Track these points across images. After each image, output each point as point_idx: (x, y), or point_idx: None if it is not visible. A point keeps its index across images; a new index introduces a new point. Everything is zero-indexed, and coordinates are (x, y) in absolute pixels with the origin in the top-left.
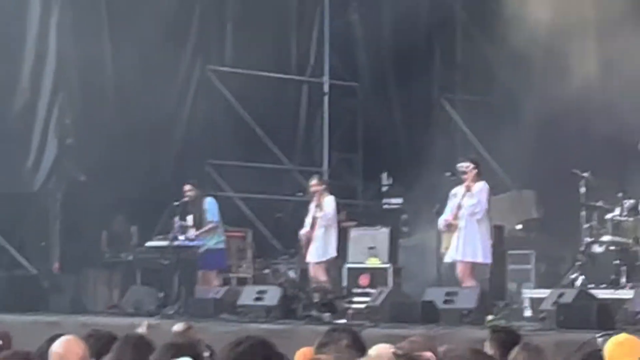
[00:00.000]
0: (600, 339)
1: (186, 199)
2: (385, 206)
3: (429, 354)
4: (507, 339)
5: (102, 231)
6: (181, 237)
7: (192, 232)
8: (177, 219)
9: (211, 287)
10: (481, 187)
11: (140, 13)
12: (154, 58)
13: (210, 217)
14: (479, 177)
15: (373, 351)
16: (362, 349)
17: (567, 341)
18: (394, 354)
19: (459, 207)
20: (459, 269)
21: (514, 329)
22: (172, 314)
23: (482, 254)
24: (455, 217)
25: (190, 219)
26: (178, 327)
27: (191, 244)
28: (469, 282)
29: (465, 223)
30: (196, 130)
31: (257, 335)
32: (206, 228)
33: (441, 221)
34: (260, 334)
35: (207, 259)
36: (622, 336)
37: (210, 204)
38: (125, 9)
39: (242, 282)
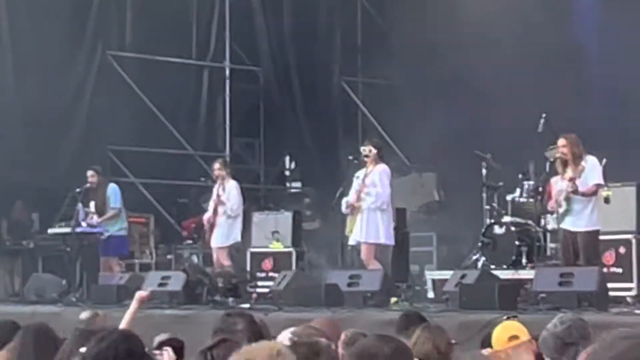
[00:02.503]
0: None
1: (88, 185)
2: (291, 190)
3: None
4: (412, 320)
5: (2, 218)
6: (83, 224)
7: (94, 219)
8: (79, 205)
9: (114, 273)
10: (382, 169)
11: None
12: (54, 44)
13: (112, 203)
14: (380, 160)
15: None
16: (258, 333)
17: (469, 322)
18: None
19: (361, 189)
20: (363, 252)
21: (418, 310)
22: (75, 302)
23: (384, 235)
24: (358, 199)
25: (92, 206)
26: (85, 314)
27: (93, 230)
28: (373, 265)
29: (367, 205)
30: (97, 116)
31: (120, 330)
32: (109, 215)
33: (344, 204)
34: (164, 320)
35: (109, 245)
36: (507, 322)
37: (112, 190)
38: None
39: (146, 268)
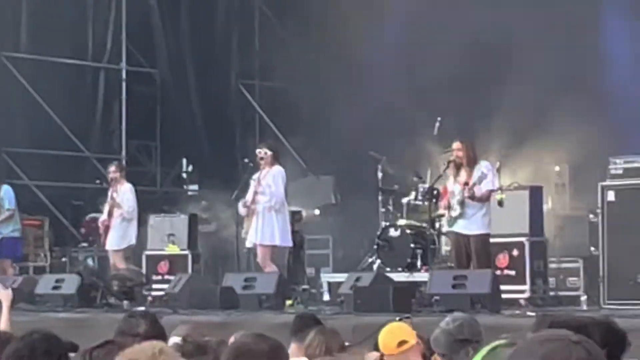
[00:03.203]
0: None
1: None
2: (187, 193)
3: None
4: (306, 323)
5: None
6: None
7: None
8: None
9: (7, 276)
10: (276, 171)
11: None
12: None
13: (6, 205)
14: (276, 162)
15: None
16: (162, 334)
17: (364, 324)
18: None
19: (256, 192)
20: (259, 254)
21: (313, 313)
22: None
23: (280, 237)
24: (253, 201)
25: None
26: None
27: None
28: (269, 267)
29: (262, 207)
30: None
31: (41, 329)
32: (2, 216)
33: (240, 206)
34: (58, 324)
35: (2, 247)
36: (394, 325)
37: (5, 192)
38: None
39: (40, 271)
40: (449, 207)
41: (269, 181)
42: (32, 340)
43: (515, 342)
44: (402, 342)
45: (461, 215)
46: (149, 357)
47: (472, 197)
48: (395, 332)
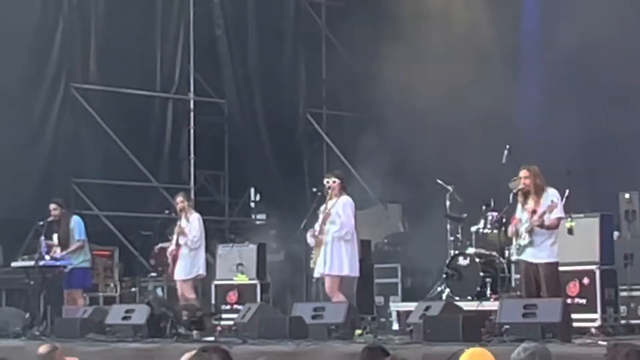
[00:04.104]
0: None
1: (51, 217)
2: (255, 222)
3: None
4: (375, 354)
5: None
6: (47, 257)
7: (58, 252)
8: (42, 238)
9: (78, 306)
10: (345, 201)
11: (2, 27)
12: (17, 75)
13: (76, 235)
14: (344, 191)
15: None
16: None
17: (433, 354)
18: None
19: (325, 221)
20: (327, 284)
21: (381, 343)
22: (39, 335)
23: (348, 267)
24: (322, 231)
25: (55, 238)
26: (43, 348)
27: (57, 263)
28: (337, 297)
29: (331, 237)
30: (61, 148)
31: None
32: (73, 247)
33: (309, 236)
34: (128, 354)
35: (72, 278)
36: (473, 349)
37: (76, 223)
38: None
39: (110, 301)
40: (516, 235)
41: (338, 211)
42: None
43: None
44: None
45: (530, 244)
46: None
47: (542, 226)
48: (475, 357)
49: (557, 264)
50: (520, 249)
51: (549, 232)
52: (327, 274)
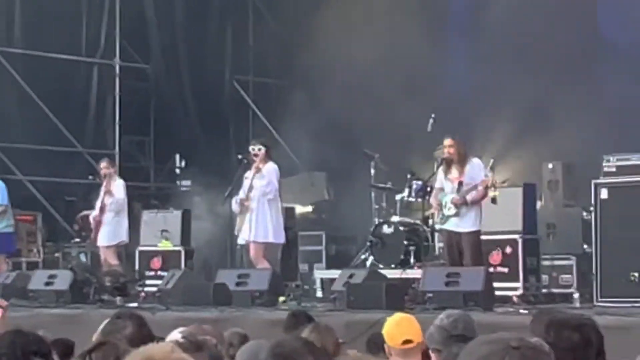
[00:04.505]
0: None
1: None
2: (181, 189)
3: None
4: (300, 320)
5: None
6: None
7: None
8: None
9: (0, 271)
10: (271, 168)
11: None
12: None
13: None
14: (269, 159)
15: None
16: (149, 336)
17: (357, 321)
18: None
19: (251, 188)
20: (252, 251)
21: (306, 309)
22: None
23: (273, 234)
24: (247, 198)
25: None
26: None
27: None
28: (262, 264)
29: (256, 204)
30: None
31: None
32: None
33: (234, 203)
34: (51, 319)
35: None
36: (398, 315)
37: None
38: None
39: (33, 266)
40: (440, 206)
41: (264, 180)
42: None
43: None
44: (406, 341)
45: (455, 214)
46: (165, 354)
47: (465, 203)
48: (403, 328)
49: (479, 232)
50: (444, 219)
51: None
52: (252, 241)
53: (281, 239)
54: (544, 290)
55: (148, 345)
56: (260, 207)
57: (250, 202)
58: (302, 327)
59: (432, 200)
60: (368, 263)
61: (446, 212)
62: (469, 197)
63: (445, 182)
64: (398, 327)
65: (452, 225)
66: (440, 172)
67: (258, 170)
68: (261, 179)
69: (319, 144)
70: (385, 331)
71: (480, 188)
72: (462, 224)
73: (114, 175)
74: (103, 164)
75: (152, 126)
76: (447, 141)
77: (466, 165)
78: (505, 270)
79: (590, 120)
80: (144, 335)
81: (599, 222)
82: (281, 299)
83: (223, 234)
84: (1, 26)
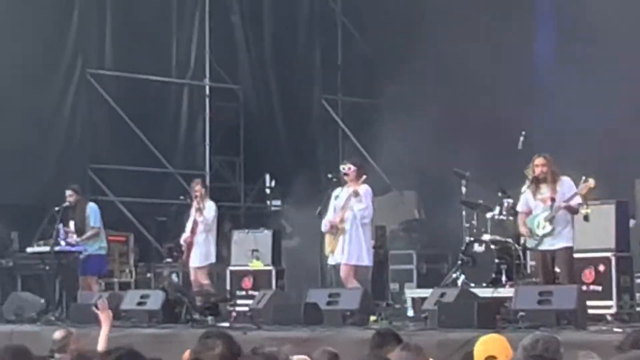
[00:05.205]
0: None
1: (67, 204)
2: (271, 209)
3: None
4: (386, 339)
5: None
6: (62, 243)
7: (73, 238)
8: (59, 224)
9: (93, 292)
10: (367, 190)
11: (18, 14)
12: (33, 61)
13: (92, 222)
14: (360, 178)
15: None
16: (238, 354)
17: (448, 340)
18: None
19: (345, 209)
20: (343, 271)
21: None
22: (54, 320)
23: (366, 257)
24: (342, 219)
25: (71, 225)
26: (58, 334)
27: (72, 249)
28: (352, 284)
29: (350, 226)
30: (77, 134)
31: (126, 346)
32: (88, 234)
33: (325, 223)
34: (143, 339)
35: (88, 264)
36: (489, 336)
37: (91, 209)
38: (3, 10)
39: (125, 286)
40: (530, 232)
41: (362, 203)
42: (118, 356)
43: None
44: (490, 357)
45: (550, 232)
46: None
47: (569, 208)
48: (488, 346)
49: (572, 248)
50: (540, 239)
51: (567, 219)
52: (344, 263)
53: (371, 261)
54: (638, 309)
55: None
56: (354, 229)
57: (344, 223)
58: (388, 347)
59: (522, 228)
60: (459, 282)
61: (540, 232)
62: (572, 202)
63: (535, 203)
64: (484, 345)
65: (546, 245)
66: (528, 193)
67: (356, 194)
68: (359, 202)
69: (409, 162)
70: (475, 349)
71: (574, 202)
72: (556, 242)
73: (205, 196)
74: (197, 187)
75: (242, 146)
76: (539, 160)
77: (557, 183)
78: (599, 288)
79: None
80: (234, 354)
81: None
82: (372, 318)
83: (313, 253)
84: (93, 48)
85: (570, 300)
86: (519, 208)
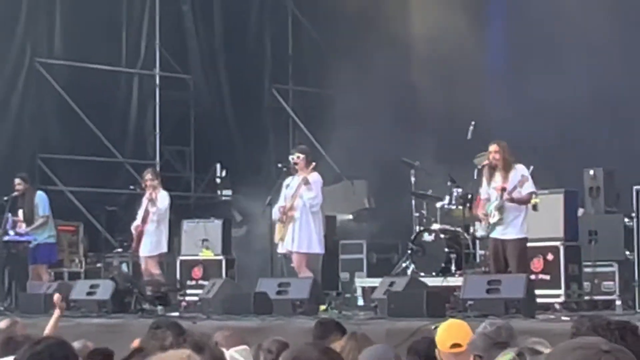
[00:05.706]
0: (434, 329)
1: (16, 193)
2: (221, 198)
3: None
4: (329, 328)
5: None
6: (11, 232)
7: (22, 227)
8: (7, 213)
9: (43, 282)
10: (316, 178)
11: None
12: None
13: (41, 211)
14: (310, 165)
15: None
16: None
17: (398, 329)
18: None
19: (295, 197)
20: (295, 260)
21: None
22: (3, 310)
23: (315, 245)
24: (292, 207)
25: (20, 214)
26: (3, 323)
27: (22, 239)
28: (304, 273)
29: (300, 214)
30: (26, 123)
31: (56, 337)
32: (37, 223)
33: (276, 211)
34: (92, 329)
35: (38, 253)
36: (450, 320)
37: (40, 198)
38: None
39: (75, 276)
40: (486, 216)
41: (312, 192)
42: (49, 345)
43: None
44: (455, 345)
45: (500, 221)
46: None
47: (512, 200)
48: (452, 332)
49: (525, 240)
50: (491, 227)
51: (519, 208)
52: (295, 251)
53: (322, 249)
54: (586, 298)
55: (168, 352)
56: (304, 217)
57: (294, 211)
58: (332, 337)
59: (479, 211)
60: (409, 271)
61: (491, 219)
62: (515, 195)
63: (490, 190)
64: (448, 331)
65: (498, 233)
66: (485, 181)
67: (306, 182)
68: (308, 191)
69: (359, 152)
70: (437, 336)
71: (520, 189)
72: (508, 232)
73: (158, 186)
74: (148, 176)
75: (192, 136)
76: (493, 147)
77: (510, 171)
78: (547, 277)
79: (633, 125)
80: (181, 343)
81: None
82: (322, 307)
83: (263, 243)
84: (42, 37)
85: (519, 289)
86: (481, 195)
